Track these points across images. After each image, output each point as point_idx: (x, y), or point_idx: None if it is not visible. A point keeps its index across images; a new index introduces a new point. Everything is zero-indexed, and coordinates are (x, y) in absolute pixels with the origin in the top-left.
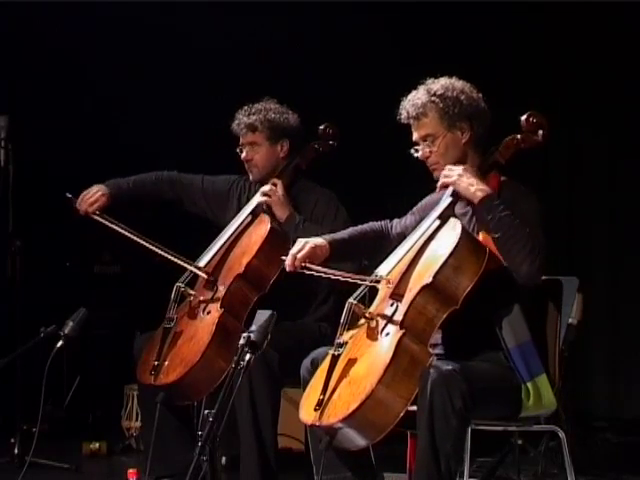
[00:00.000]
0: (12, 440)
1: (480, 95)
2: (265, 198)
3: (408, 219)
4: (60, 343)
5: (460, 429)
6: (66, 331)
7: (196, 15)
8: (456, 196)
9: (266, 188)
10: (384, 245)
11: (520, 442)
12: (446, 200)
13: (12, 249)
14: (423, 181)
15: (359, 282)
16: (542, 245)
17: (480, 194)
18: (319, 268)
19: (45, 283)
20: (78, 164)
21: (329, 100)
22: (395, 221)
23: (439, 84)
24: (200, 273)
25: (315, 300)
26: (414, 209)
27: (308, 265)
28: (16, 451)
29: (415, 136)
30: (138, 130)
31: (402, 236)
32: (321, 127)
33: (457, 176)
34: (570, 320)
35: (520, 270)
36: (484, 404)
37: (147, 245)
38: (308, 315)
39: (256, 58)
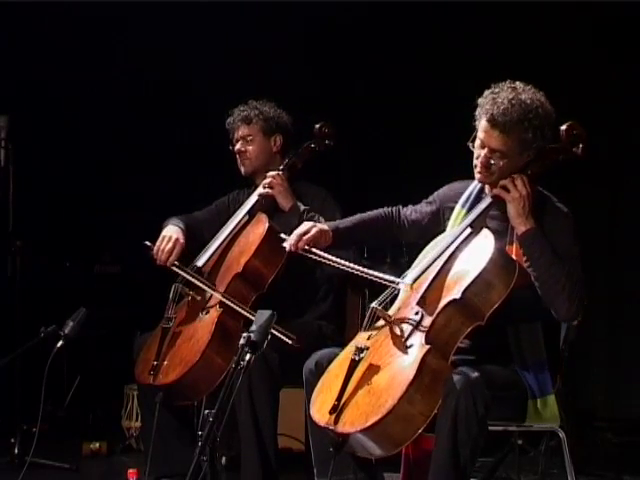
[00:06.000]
0: (12, 440)
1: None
2: (268, 190)
3: (424, 208)
4: (60, 343)
5: (479, 435)
6: (66, 331)
7: (195, 15)
8: (490, 206)
9: (268, 180)
10: (392, 232)
11: (520, 442)
12: (480, 207)
13: (12, 249)
14: (421, 180)
15: (360, 274)
16: (580, 283)
17: (523, 228)
18: (322, 254)
19: (45, 283)
20: (78, 164)
21: (327, 100)
22: (410, 207)
23: (535, 107)
24: (247, 314)
25: (314, 298)
26: (432, 198)
27: (312, 249)
28: (16, 451)
29: (486, 140)
30: (138, 130)
31: (417, 224)
32: (317, 126)
33: (519, 197)
34: None
35: (559, 312)
36: (495, 409)
37: (217, 295)
38: (307, 313)
39: (255, 58)
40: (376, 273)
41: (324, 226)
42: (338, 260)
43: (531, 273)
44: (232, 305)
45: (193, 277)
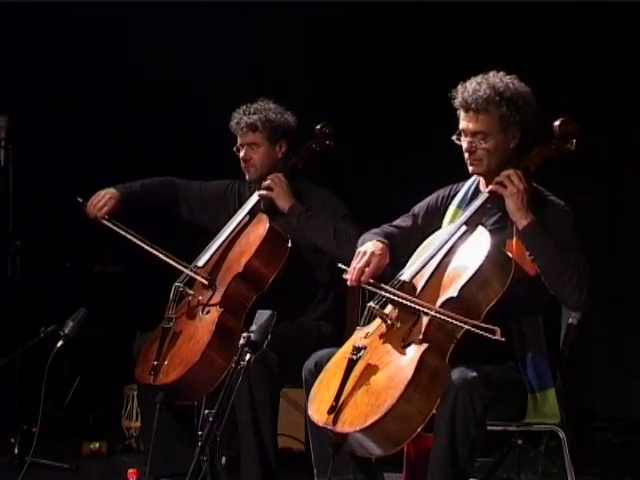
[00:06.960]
0: (12, 440)
1: (535, 103)
2: (267, 192)
3: (406, 223)
4: (60, 343)
5: (477, 435)
6: (66, 331)
7: (195, 15)
8: (486, 202)
9: (267, 182)
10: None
11: (520, 442)
12: (475, 204)
13: (12, 249)
14: (421, 180)
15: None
16: (587, 271)
17: (524, 221)
18: (381, 285)
19: (45, 283)
20: (78, 164)
21: (327, 100)
22: (389, 228)
23: (504, 83)
24: (199, 278)
25: (314, 298)
26: (412, 212)
27: (371, 282)
28: (16, 451)
29: (465, 126)
30: (138, 130)
31: (402, 242)
32: (317, 126)
33: (516, 191)
34: (570, 320)
35: (568, 302)
36: (494, 409)
37: (152, 251)
38: (307, 313)
39: (255, 58)
40: (431, 306)
41: (378, 246)
42: (392, 290)
43: (537, 266)
44: (183, 268)
45: (125, 231)
